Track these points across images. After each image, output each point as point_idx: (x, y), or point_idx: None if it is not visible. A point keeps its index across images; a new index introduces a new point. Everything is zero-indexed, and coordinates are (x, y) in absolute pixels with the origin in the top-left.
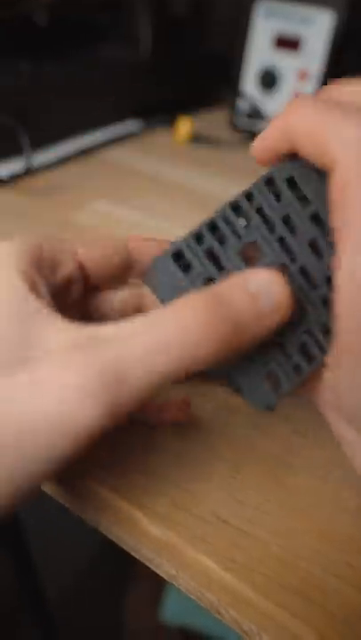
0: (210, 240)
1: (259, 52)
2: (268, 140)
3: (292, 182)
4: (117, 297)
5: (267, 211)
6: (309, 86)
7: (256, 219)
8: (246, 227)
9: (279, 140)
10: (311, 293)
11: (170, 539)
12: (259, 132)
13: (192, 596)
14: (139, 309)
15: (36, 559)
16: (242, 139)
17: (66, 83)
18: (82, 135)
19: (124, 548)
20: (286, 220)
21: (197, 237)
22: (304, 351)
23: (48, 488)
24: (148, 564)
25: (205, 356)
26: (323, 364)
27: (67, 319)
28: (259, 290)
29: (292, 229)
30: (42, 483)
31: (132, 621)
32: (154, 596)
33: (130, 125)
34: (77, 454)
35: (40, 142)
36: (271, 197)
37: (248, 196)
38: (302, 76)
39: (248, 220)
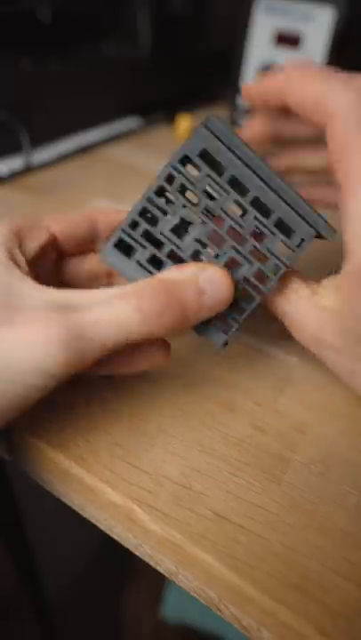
0: (143, 224)
1: (259, 48)
2: (263, 88)
3: (204, 154)
4: (85, 265)
5: (188, 187)
6: None
7: (180, 197)
8: (172, 205)
9: (275, 91)
10: (243, 248)
11: (170, 536)
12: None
13: (192, 593)
14: (108, 273)
15: (36, 558)
16: None
17: (66, 80)
18: (82, 132)
19: (126, 545)
20: (207, 191)
21: (132, 224)
22: (244, 296)
23: (51, 487)
24: (148, 560)
25: (149, 334)
26: (259, 302)
27: (44, 286)
28: (206, 286)
29: (212, 197)
30: (8, 415)
31: (132, 619)
32: (154, 593)
33: (130, 122)
34: (41, 393)
35: (40, 140)
36: (188, 173)
37: (169, 178)
38: None
39: (174, 199)
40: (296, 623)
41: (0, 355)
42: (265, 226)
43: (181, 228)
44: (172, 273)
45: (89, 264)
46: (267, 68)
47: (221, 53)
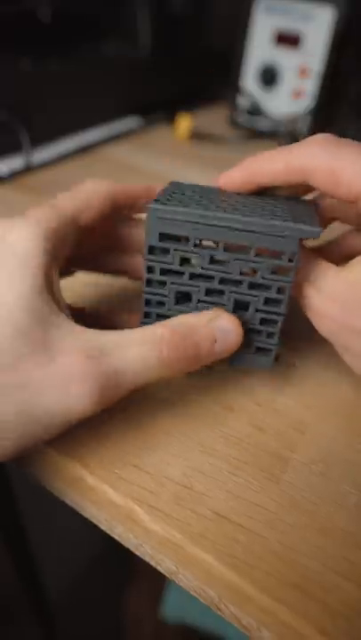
0: (153, 310)
1: (259, 48)
2: (274, 176)
3: (165, 235)
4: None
5: (168, 267)
6: (309, 83)
7: (166, 278)
8: (165, 286)
9: (285, 174)
10: (241, 288)
11: (171, 536)
12: (259, 129)
13: (192, 593)
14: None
15: (37, 559)
16: (242, 135)
17: (66, 80)
18: (82, 132)
19: (126, 545)
20: (186, 257)
21: (146, 314)
22: (268, 321)
23: (49, 485)
24: (148, 560)
25: (165, 376)
26: (282, 319)
27: (75, 324)
28: (218, 335)
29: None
30: (36, 444)
31: (133, 620)
32: (154, 594)
33: (130, 122)
34: (58, 432)
35: (40, 139)
36: (162, 258)
37: (149, 269)
38: (302, 72)
39: (165, 280)
40: (296, 622)
41: (32, 392)
42: (249, 261)
43: (184, 298)
44: (189, 319)
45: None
46: (267, 68)
47: (221, 53)
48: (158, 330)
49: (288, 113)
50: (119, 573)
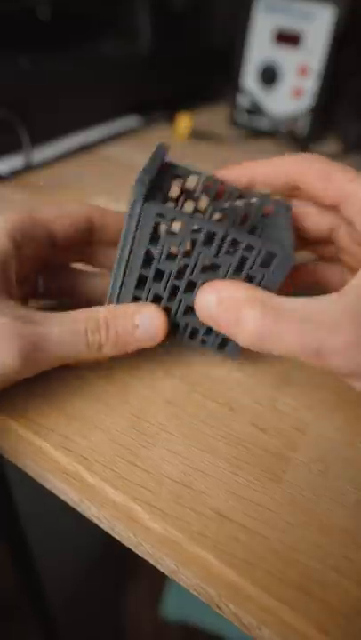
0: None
1: (259, 47)
2: (269, 175)
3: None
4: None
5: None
6: (310, 82)
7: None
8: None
9: (278, 176)
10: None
11: (170, 534)
12: (259, 129)
13: (192, 592)
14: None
15: (37, 559)
16: (242, 135)
17: (66, 78)
18: (82, 131)
19: (126, 544)
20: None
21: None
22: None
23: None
24: (148, 559)
25: (93, 357)
26: None
27: (16, 302)
28: (141, 322)
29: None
30: None
31: (133, 619)
32: (154, 593)
33: (130, 121)
34: None
35: (40, 138)
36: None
37: (145, 262)
38: (302, 71)
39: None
40: (296, 621)
41: None
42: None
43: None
44: (118, 308)
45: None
46: (267, 67)
47: (221, 52)
48: (89, 313)
49: (288, 112)
50: (119, 572)
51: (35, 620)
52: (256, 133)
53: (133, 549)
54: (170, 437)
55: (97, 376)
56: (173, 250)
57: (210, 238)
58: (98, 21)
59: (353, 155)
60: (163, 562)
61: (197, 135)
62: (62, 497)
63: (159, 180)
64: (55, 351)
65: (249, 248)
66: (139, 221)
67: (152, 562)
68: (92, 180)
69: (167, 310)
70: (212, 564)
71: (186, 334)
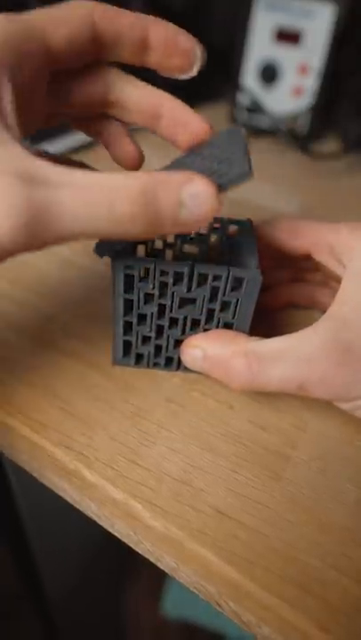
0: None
1: (259, 45)
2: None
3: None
4: (83, 87)
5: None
6: (310, 80)
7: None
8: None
9: (296, 246)
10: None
11: (170, 532)
12: (259, 127)
13: (192, 589)
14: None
15: (37, 556)
16: None
17: None
18: None
19: (126, 542)
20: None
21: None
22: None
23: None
24: (148, 557)
25: (115, 235)
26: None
27: (18, 144)
28: (187, 200)
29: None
30: None
31: (133, 617)
32: (154, 591)
33: None
34: None
35: (39, 137)
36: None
37: (126, 305)
38: (303, 69)
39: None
40: (296, 619)
41: None
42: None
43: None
44: (155, 175)
45: (86, 88)
46: (267, 66)
47: (221, 50)
48: (119, 179)
49: (288, 110)
50: (119, 570)
51: (35, 617)
52: (256, 132)
53: (133, 547)
54: (170, 435)
55: (97, 374)
56: (151, 292)
57: (179, 277)
58: None
59: (353, 153)
60: (163, 559)
61: None
62: (62, 495)
63: None
64: (67, 224)
65: (217, 278)
66: (113, 275)
67: (152, 559)
68: None
69: (158, 348)
70: (211, 562)
71: (182, 365)
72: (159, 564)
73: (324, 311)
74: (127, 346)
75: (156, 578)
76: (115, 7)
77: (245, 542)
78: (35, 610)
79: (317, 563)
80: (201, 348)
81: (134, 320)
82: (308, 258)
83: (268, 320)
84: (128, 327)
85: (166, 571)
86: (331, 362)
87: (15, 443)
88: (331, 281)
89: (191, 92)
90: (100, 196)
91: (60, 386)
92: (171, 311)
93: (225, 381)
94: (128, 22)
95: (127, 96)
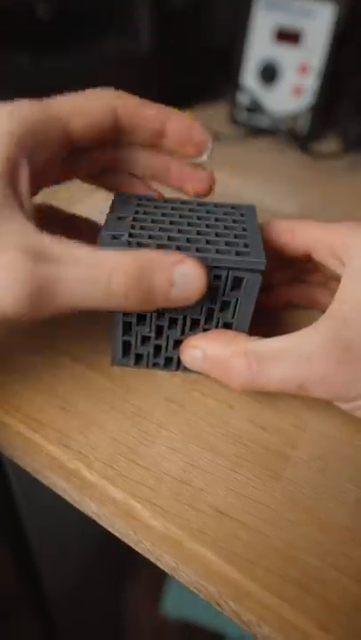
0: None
1: (259, 45)
2: (286, 246)
3: None
4: (96, 157)
5: None
6: (310, 80)
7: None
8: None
9: (296, 245)
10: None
11: (170, 531)
12: (259, 127)
13: (192, 589)
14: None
15: (37, 556)
16: (242, 133)
17: (66, 76)
18: None
19: (126, 541)
20: None
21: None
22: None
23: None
24: (148, 556)
25: (110, 308)
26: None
27: (29, 222)
28: (178, 280)
29: None
30: None
31: (133, 617)
32: (154, 591)
33: None
34: None
35: None
36: None
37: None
38: (303, 69)
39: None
40: (296, 618)
41: None
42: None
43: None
44: (151, 255)
45: (98, 156)
46: (267, 65)
47: (222, 50)
48: (117, 257)
49: (288, 110)
50: (119, 570)
51: (34, 617)
52: (256, 131)
53: (133, 547)
54: (169, 435)
55: (97, 374)
56: None
57: None
58: (98, 19)
59: (353, 153)
60: (162, 559)
61: None
62: (62, 494)
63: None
64: (67, 298)
65: (217, 277)
66: None
67: (152, 559)
68: None
69: (158, 348)
70: (211, 562)
71: (181, 365)
72: (159, 564)
73: (324, 311)
74: (127, 346)
75: (156, 578)
76: (136, 98)
77: (246, 542)
78: (35, 610)
79: (317, 562)
80: (201, 349)
81: (134, 320)
82: (308, 258)
83: (268, 320)
84: (127, 327)
85: (166, 570)
86: (331, 360)
87: (14, 442)
88: (331, 281)
89: (191, 92)
90: (97, 274)
91: (60, 385)
92: (170, 311)
93: (225, 381)
94: (148, 115)
95: (135, 158)
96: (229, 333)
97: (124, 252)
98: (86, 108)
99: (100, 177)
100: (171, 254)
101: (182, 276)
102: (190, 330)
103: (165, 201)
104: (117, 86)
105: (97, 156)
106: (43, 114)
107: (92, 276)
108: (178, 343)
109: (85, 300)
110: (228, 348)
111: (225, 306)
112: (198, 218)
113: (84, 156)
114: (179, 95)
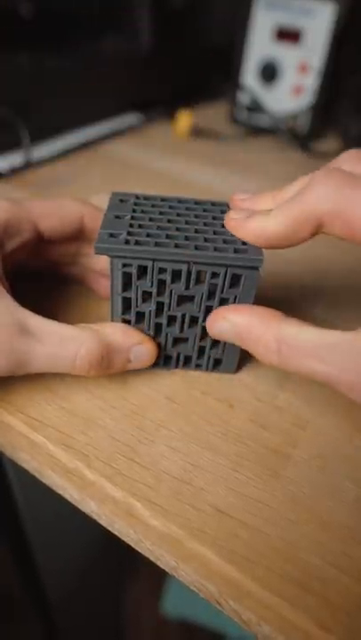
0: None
1: (259, 44)
2: (291, 227)
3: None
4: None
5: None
6: (310, 79)
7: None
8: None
9: (302, 224)
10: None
11: (170, 531)
12: (259, 126)
13: (192, 588)
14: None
15: (37, 557)
16: (242, 132)
17: (66, 76)
18: (82, 128)
19: (126, 541)
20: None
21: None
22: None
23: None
24: (148, 556)
25: (74, 374)
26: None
27: (9, 296)
28: (134, 357)
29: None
30: None
31: (133, 616)
32: (154, 591)
33: (130, 119)
34: None
35: (40, 136)
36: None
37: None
38: (303, 68)
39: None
40: (296, 617)
41: None
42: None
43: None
44: (117, 338)
45: (60, 248)
46: (267, 64)
47: (221, 49)
48: (82, 339)
49: (288, 109)
50: (119, 569)
51: (34, 617)
52: (256, 131)
53: (133, 546)
54: (169, 434)
55: None
56: (149, 290)
57: (177, 275)
58: (98, 19)
59: None
60: (163, 558)
61: (197, 132)
62: (62, 494)
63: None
64: (37, 367)
65: (215, 275)
66: (111, 274)
67: (152, 558)
68: (91, 178)
69: (157, 346)
70: (212, 561)
71: (180, 363)
72: (159, 563)
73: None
74: None
75: (156, 577)
76: (101, 209)
77: (246, 541)
78: (35, 611)
79: (318, 561)
80: (230, 322)
81: (132, 318)
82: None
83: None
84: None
85: (166, 570)
86: None
87: (14, 441)
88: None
89: (192, 91)
90: (64, 354)
91: (60, 384)
92: (169, 309)
93: (253, 355)
94: None
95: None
96: (260, 308)
97: (90, 333)
98: (56, 212)
99: (64, 268)
100: (131, 335)
101: (138, 355)
102: (189, 327)
103: (163, 199)
104: (118, 86)
105: (63, 249)
106: (18, 210)
107: (60, 355)
108: (177, 341)
109: (53, 370)
110: (260, 328)
111: (224, 303)
112: (196, 216)
113: (52, 249)
114: (179, 94)
